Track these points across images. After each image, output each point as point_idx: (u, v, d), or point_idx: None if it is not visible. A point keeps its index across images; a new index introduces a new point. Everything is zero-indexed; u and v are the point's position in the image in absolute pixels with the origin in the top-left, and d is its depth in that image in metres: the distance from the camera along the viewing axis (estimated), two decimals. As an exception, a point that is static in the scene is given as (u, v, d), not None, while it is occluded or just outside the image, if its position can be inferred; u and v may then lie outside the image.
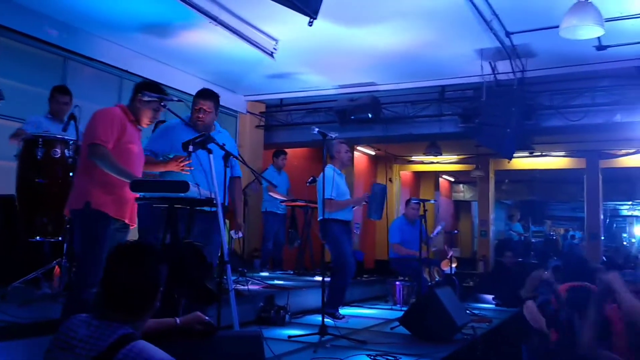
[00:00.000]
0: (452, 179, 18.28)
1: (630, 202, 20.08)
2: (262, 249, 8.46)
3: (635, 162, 11.90)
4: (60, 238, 4.47)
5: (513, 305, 6.83)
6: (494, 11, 6.06)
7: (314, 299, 6.08)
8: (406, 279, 7.57)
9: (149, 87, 3.54)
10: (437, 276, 7.59)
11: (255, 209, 8.39)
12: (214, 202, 3.31)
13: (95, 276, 1.95)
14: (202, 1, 5.84)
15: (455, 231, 15.03)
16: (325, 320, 4.72)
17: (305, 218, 8.33)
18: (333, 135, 4.95)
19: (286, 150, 8.77)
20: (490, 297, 8.04)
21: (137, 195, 3.41)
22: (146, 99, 3.49)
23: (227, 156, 3.60)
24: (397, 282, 7.39)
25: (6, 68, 6.08)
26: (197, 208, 3.59)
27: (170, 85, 7.94)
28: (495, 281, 8.31)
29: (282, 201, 8.15)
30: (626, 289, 2.98)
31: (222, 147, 3.61)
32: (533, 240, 18.29)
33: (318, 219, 5.74)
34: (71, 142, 4.43)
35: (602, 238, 12.98)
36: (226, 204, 4.26)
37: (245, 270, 6.69)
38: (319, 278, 5.87)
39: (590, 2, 5.17)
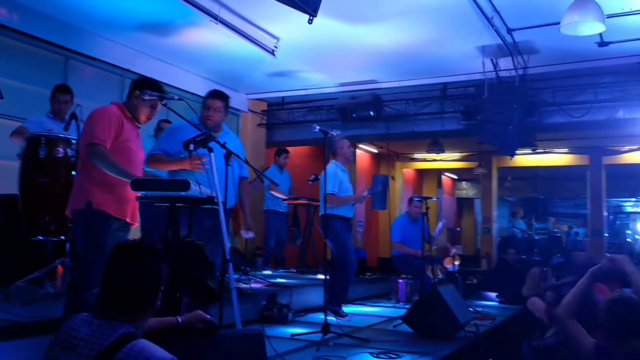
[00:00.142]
0: (455, 177, 18.26)
1: (634, 199, 20.01)
2: (265, 248, 8.47)
3: (638, 159, 11.87)
4: (62, 237, 4.47)
5: (516, 302, 6.83)
6: (495, 8, 6.04)
7: (316, 297, 6.08)
8: (409, 276, 7.57)
9: (147, 85, 3.53)
10: (439, 274, 7.58)
11: (257, 207, 8.40)
12: (215, 200, 3.30)
13: (97, 276, 1.95)
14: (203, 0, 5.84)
15: (458, 229, 15.02)
16: (328, 318, 4.72)
17: (307, 216, 8.34)
18: (334, 133, 4.95)
19: (288, 148, 8.77)
20: (493, 294, 8.03)
21: (138, 194, 3.41)
22: (147, 97, 3.49)
23: (228, 155, 3.60)
24: (400, 280, 7.39)
25: (7, 68, 6.09)
26: (204, 206, 3.60)
27: (172, 84, 7.97)
28: (498, 278, 8.30)
29: (284, 199, 8.15)
30: (637, 271, 2.99)
31: (223, 145, 3.60)
32: (536, 238, 18.23)
33: (319, 215, 5.74)
34: (73, 141, 4.44)
35: (606, 235, 12.95)
36: (234, 203, 4.33)
37: (248, 269, 6.70)
38: (322, 276, 5.88)
39: (591, -1, 5.16)
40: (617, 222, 22.83)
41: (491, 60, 7.53)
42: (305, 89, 9.28)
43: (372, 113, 8.85)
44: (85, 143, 3.37)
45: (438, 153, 12.19)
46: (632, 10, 6.01)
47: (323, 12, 5.09)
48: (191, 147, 3.31)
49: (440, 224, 7.86)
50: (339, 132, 5.42)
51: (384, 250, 12.23)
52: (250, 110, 9.99)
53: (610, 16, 5.77)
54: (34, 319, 3.52)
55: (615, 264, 3.08)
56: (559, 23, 5.44)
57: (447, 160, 13.98)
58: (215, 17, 6.01)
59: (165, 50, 7.49)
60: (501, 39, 6.73)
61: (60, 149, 4.42)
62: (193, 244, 3.40)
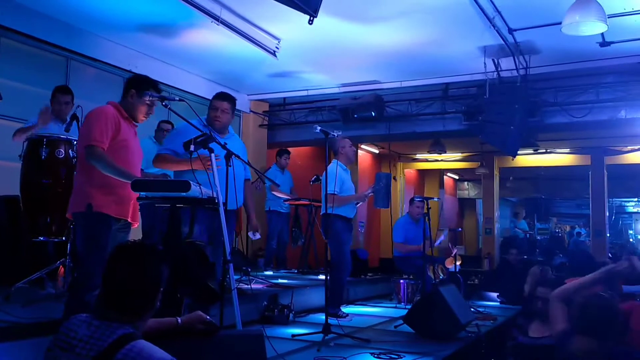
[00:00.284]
0: (457, 177, 18.25)
1: (636, 199, 20.00)
2: (266, 248, 8.47)
3: (641, 159, 11.86)
4: (64, 238, 4.49)
5: (518, 302, 6.81)
6: (496, 8, 6.04)
7: (317, 297, 6.08)
8: (410, 277, 7.56)
9: (143, 84, 3.51)
10: (441, 274, 7.58)
11: (259, 208, 8.39)
12: (216, 201, 3.30)
13: (98, 278, 1.95)
14: (204, 1, 5.84)
15: (459, 229, 15.00)
16: (329, 318, 4.72)
17: (309, 217, 8.34)
18: (335, 133, 4.95)
19: (290, 149, 8.78)
20: (495, 294, 8.02)
21: (139, 194, 3.40)
22: (148, 99, 3.49)
23: (228, 156, 3.60)
24: (402, 281, 7.38)
25: (9, 69, 6.10)
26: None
27: (173, 85, 7.99)
28: (500, 279, 8.28)
29: (286, 200, 8.15)
30: None
31: (223, 146, 3.61)
32: (538, 238, 18.26)
33: (320, 214, 5.73)
34: (75, 142, 4.45)
35: (608, 235, 12.93)
36: (241, 204, 4.38)
37: (250, 270, 6.70)
38: (323, 276, 5.88)
39: (593, -2, 5.15)
40: (620, 222, 22.82)
41: (493, 60, 7.51)
42: (306, 90, 9.28)
43: (373, 113, 8.85)
44: (82, 145, 3.34)
45: (440, 153, 12.18)
46: (634, 10, 5.99)
47: (324, 13, 5.10)
48: (191, 147, 3.31)
49: (442, 236, 7.86)
50: (340, 133, 5.42)
51: (386, 251, 12.22)
52: (251, 111, 9.99)
53: (612, 16, 5.76)
54: (34, 320, 3.53)
55: (634, 264, 3.07)
56: (560, 23, 5.43)
57: (449, 160, 13.97)
58: (216, 18, 6.02)
59: (166, 51, 7.50)
60: (503, 39, 6.72)
61: (61, 150, 4.43)
62: (194, 245, 3.41)
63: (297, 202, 8.19)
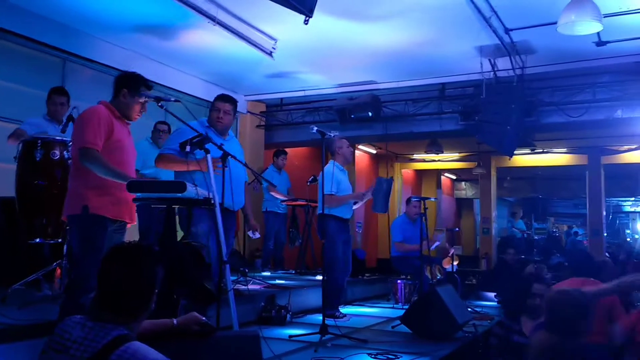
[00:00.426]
0: (454, 177, 18.27)
1: (633, 198, 20.03)
2: (263, 249, 8.47)
3: (637, 158, 11.87)
4: (60, 240, 4.47)
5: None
6: (492, 8, 6.04)
7: (315, 298, 6.08)
8: (408, 277, 7.56)
9: (135, 82, 3.46)
10: (438, 274, 7.58)
11: (256, 208, 8.39)
12: (212, 202, 3.29)
13: (94, 280, 1.94)
14: (200, 1, 5.84)
15: (457, 229, 14.99)
16: (327, 319, 4.71)
17: (306, 217, 8.33)
18: (332, 134, 4.95)
19: (287, 149, 8.78)
20: (492, 294, 8.02)
21: (135, 195, 3.39)
22: (143, 99, 3.47)
23: (224, 157, 3.60)
24: (399, 281, 7.38)
25: (5, 70, 6.09)
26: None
27: (170, 85, 7.99)
28: (497, 278, 8.28)
29: (283, 200, 8.15)
30: None
31: (220, 147, 3.61)
32: (536, 238, 18.24)
33: (317, 214, 5.72)
34: (70, 143, 4.43)
35: (605, 234, 12.95)
36: (242, 206, 4.41)
37: (247, 270, 6.69)
38: (320, 277, 5.87)
39: (588, -2, 5.16)
40: (617, 221, 22.84)
41: (489, 60, 7.53)
42: (303, 90, 9.29)
43: (370, 114, 8.85)
44: (76, 147, 3.31)
45: (437, 153, 12.18)
46: (630, 9, 6.01)
47: (321, 13, 5.10)
48: (187, 148, 3.30)
49: (437, 242, 7.87)
50: (337, 133, 5.43)
51: (383, 251, 12.23)
52: (248, 111, 9.98)
53: (607, 15, 5.77)
54: (30, 322, 3.51)
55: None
56: (556, 23, 5.44)
57: (446, 160, 13.98)
58: (212, 19, 6.02)
59: (163, 52, 7.49)
60: (499, 39, 6.73)
61: (56, 151, 4.41)
62: (190, 246, 3.40)
63: (294, 203, 8.19)
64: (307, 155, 11.34)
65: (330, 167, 5.66)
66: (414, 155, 13.91)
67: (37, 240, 4.47)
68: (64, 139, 4.48)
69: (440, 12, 6.23)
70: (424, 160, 14.13)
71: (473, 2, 5.81)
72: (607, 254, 12.21)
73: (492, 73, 7.66)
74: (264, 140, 10.33)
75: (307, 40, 6.91)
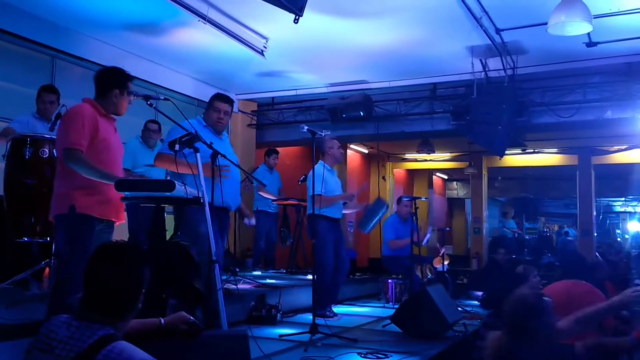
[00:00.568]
0: (446, 177, 18.31)
1: (623, 198, 20.15)
2: (254, 248, 8.45)
3: (627, 159, 11.93)
4: (48, 238, 4.44)
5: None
6: (483, 8, 6.06)
7: (305, 297, 6.07)
8: (399, 276, 7.57)
9: (122, 80, 3.41)
10: (429, 274, 7.60)
11: (247, 207, 8.38)
12: (201, 201, 3.28)
13: (81, 280, 1.92)
14: (191, -1, 5.82)
15: (447, 229, 15.03)
16: (317, 318, 4.71)
17: (297, 217, 8.33)
18: (323, 133, 4.95)
19: (278, 149, 8.77)
20: (481, 293, 8.04)
21: (123, 194, 3.36)
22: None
23: (214, 155, 3.59)
24: (390, 280, 7.40)
25: (-6, 68, 6.05)
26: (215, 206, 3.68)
27: (160, 84, 7.96)
28: (487, 278, 8.30)
29: (274, 200, 8.14)
30: None
31: (209, 145, 3.59)
32: (527, 237, 18.33)
33: (307, 214, 5.72)
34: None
35: (595, 234, 13.01)
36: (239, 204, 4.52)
37: (238, 270, 6.68)
38: (311, 277, 5.86)
39: (578, -1, 5.18)
40: (607, 221, 22.98)
41: (480, 60, 7.55)
42: (295, 90, 9.28)
43: (362, 113, 8.85)
44: (60, 148, 3.25)
45: (428, 153, 12.20)
46: (620, 10, 6.03)
47: (312, 13, 5.10)
48: (176, 147, 3.29)
49: (429, 234, 7.88)
50: (328, 133, 5.42)
51: (375, 251, 12.23)
52: (240, 110, 9.96)
53: (598, 16, 5.80)
54: (18, 322, 3.48)
55: None
56: (547, 23, 5.46)
57: (438, 160, 14.01)
58: (203, 17, 5.99)
59: (153, 50, 7.46)
60: (490, 39, 6.75)
61: (45, 149, 4.39)
62: (179, 245, 3.39)
63: (285, 202, 8.18)
64: (298, 154, 11.33)
65: (318, 167, 5.65)
66: (406, 155, 13.92)
67: (26, 239, 4.45)
68: (53, 137, 4.45)
69: (431, 12, 6.24)
70: (415, 160, 14.15)
71: (464, 2, 5.81)
72: (597, 254, 12.28)
73: (483, 73, 7.68)
74: (255, 139, 10.31)
75: (298, 39, 6.90)
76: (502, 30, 6.70)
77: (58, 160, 3.37)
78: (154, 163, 4.30)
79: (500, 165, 13.05)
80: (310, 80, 8.84)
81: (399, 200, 7.81)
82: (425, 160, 14.01)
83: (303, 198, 7.62)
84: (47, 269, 4.38)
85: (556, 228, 22.75)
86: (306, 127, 4.75)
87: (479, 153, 12.52)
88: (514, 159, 12.86)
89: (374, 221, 6.60)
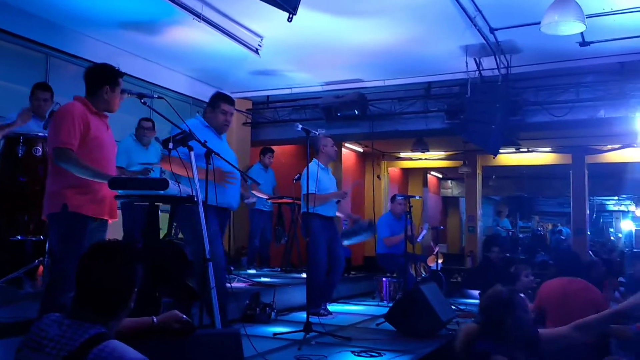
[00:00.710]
0: (440, 175, 18.34)
1: (616, 197, 20.22)
2: (249, 247, 8.45)
3: (621, 158, 11.98)
4: (42, 237, 4.44)
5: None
6: (477, 7, 6.07)
7: (300, 296, 6.08)
8: (393, 275, 7.59)
9: (113, 76, 3.40)
10: (423, 272, 7.62)
11: (241, 206, 8.37)
12: (195, 199, 3.27)
13: (74, 279, 1.92)
14: (185, -3, 5.81)
15: (441, 227, 15.10)
16: (312, 317, 4.71)
17: (292, 215, 8.33)
18: (317, 132, 4.96)
19: (273, 147, 8.76)
20: (476, 292, 8.06)
21: (116, 192, 3.36)
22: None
23: (208, 154, 3.59)
24: (384, 279, 7.41)
25: (-13, 66, 6.02)
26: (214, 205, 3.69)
27: (155, 82, 7.95)
28: (481, 276, 8.33)
29: (269, 198, 8.14)
30: None
31: (203, 144, 3.59)
32: (520, 236, 18.39)
33: (301, 212, 5.73)
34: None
35: (588, 233, 13.07)
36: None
37: (232, 268, 6.67)
38: (306, 275, 5.87)
39: (571, -2, 5.20)
40: (601, 220, 23.06)
41: (474, 59, 7.56)
42: (290, 88, 9.27)
43: (356, 112, 8.87)
44: (51, 147, 3.24)
45: (423, 152, 12.22)
46: (613, 10, 6.06)
47: (307, 11, 5.09)
48: (170, 145, 3.28)
49: (424, 231, 7.90)
50: (323, 131, 5.43)
51: (369, 249, 12.23)
52: (235, 109, 9.93)
53: (591, 16, 5.83)
54: (11, 320, 3.48)
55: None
56: (540, 23, 5.48)
57: (432, 159, 14.04)
58: (198, 15, 5.99)
59: (148, 48, 7.44)
60: (484, 39, 6.77)
61: (39, 147, 4.39)
62: (173, 244, 3.39)
63: (280, 201, 8.18)
64: (294, 153, 11.33)
65: (312, 166, 5.66)
66: (401, 153, 13.95)
67: (19, 237, 4.44)
68: (47, 135, 4.44)
69: (425, 11, 6.25)
70: (410, 159, 14.18)
71: (458, 2, 5.83)
72: (590, 252, 12.34)
73: (477, 72, 7.69)
74: (250, 137, 10.30)
75: (293, 38, 6.90)
76: (496, 29, 6.71)
77: (49, 158, 3.35)
78: (160, 164, 4.32)
79: (495, 164, 13.09)
80: (305, 79, 8.84)
81: (393, 198, 7.83)
82: (420, 159, 14.04)
83: (298, 197, 7.63)
84: (40, 267, 4.37)
85: (550, 227, 22.81)
86: (300, 126, 4.75)
87: (473, 152, 12.55)
88: (508, 158, 12.91)
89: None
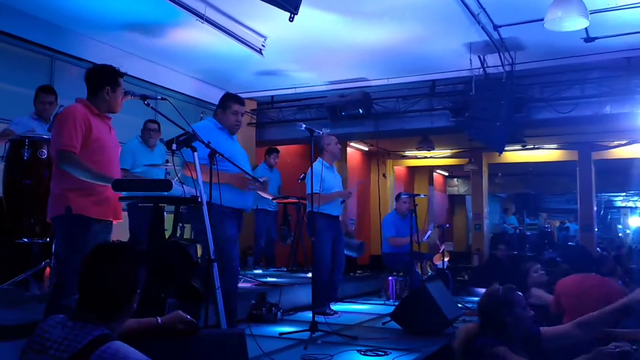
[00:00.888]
0: (446, 174, 18.32)
1: (624, 193, 20.14)
2: (255, 247, 8.46)
3: (628, 153, 11.94)
4: (48, 239, 4.45)
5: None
6: (481, 4, 6.06)
7: (306, 295, 6.08)
8: (399, 273, 7.58)
9: (113, 77, 3.39)
10: (429, 270, 7.60)
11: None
12: (199, 200, 3.27)
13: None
14: (189, -1, 5.83)
15: (447, 225, 15.08)
16: (317, 316, 4.71)
17: (297, 215, 8.33)
18: (321, 131, 4.96)
19: (279, 147, 8.76)
20: (483, 290, 8.04)
21: (120, 194, 3.36)
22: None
23: (212, 154, 3.59)
24: (390, 277, 7.40)
25: (-8, 69, 6.05)
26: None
27: (160, 84, 7.98)
28: (488, 274, 8.31)
29: (274, 198, 8.14)
30: None
31: (207, 145, 3.59)
32: (528, 233, 18.34)
33: (306, 212, 5.73)
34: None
35: (596, 230, 13.01)
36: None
37: (239, 269, 6.66)
38: (311, 274, 5.87)
39: (575, -6, 5.18)
40: (609, 216, 22.98)
41: (478, 57, 7.55)
42: (294, 88, 9.28)
43: (361, 111, 8.85)
44: (54, 150, 3.24)
45: (428, 150, 12.21)
46: (618, 5, 6.03)
47: (310, 10, 5.09)
48: (173, 146, 3.28)
49: (429, 231, 7.89)
50: (328, 130, 5.43)
51: (375, 248, 12.22)
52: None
53: (595, 12, 5.80)
54: (18, 322, 3.49)
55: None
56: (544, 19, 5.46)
57: (438, 157, 14.01)
58: (201, 17, 6.00)
59: (152, 50, 7.46)
60: (488, 36, 6.74)
61: (44, 150, 4.39)
62: (178, 245, 3.39)
63: (285, 201, 8.18)
64: (299, 152, 11.34)
65: (317, 165, 5.66)
66: (406, 152, 13.93)
67: (25, 239, 4.45)
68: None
69: (429, 10, 6.24)
70: (416, 157, 14.16)
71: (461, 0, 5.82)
72: (598, 249, 12.29)
73: (481, 69, 7.68)
74: (255, 137, 10.31)
75: (297, 38, 6.91)
76: (500, 26, 6.70)
77: (53, 161, 3.36)
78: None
79: (501, 161, 13.07)
80: (309, 79, 8.84)
81: (398, 197, 7.82)
82: (426, 157, 14.02)
83: (303, 196, 7.63)
84: (47, 269, 4.39)
85: (557, 224, 22.74)
86: (304, 126, 4.75)
87: (479, 149, 12.52)
88: (514, 155, 12.87)
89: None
